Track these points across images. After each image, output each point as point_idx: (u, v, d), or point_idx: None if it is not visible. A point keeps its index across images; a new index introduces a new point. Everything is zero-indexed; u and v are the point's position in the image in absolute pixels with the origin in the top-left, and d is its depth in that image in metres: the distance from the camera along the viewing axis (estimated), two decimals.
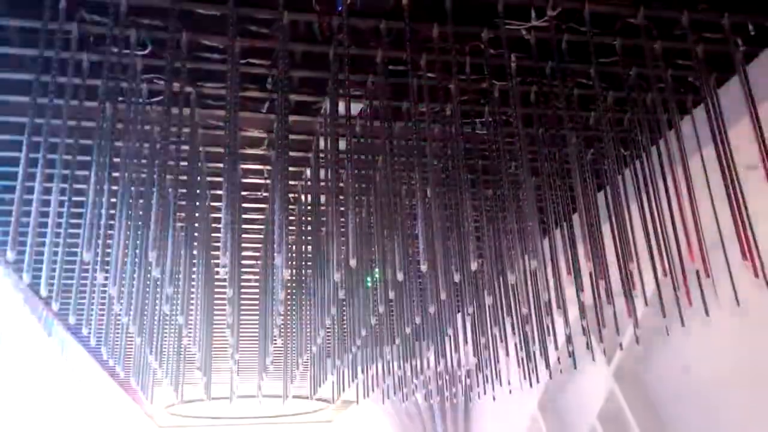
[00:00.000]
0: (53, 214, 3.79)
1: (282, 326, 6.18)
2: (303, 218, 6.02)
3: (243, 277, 6.64)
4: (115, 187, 4.13)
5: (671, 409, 8.08)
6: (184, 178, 4.43)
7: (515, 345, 5.84)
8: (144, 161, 4.51)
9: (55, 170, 3.81)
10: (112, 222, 4.04)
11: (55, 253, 3.81)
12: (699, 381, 7.53)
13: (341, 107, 4.23)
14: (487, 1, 4.12)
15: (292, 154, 5.34)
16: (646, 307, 5.14)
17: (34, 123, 3.66)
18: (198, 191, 5.25)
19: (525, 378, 5.97)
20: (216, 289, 6.75)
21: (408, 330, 5.44)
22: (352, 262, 4.09)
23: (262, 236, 7.03)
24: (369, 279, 5.10)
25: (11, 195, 3.49)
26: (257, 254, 7.51)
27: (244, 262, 7.03)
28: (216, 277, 6.49)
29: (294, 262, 6.09)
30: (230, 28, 3.87)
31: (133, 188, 4.33)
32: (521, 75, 4.64)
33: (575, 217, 4.62)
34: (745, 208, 4.28)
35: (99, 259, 3.82)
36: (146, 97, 4.54)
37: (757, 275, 4.18)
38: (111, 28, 3.81)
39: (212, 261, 6.30)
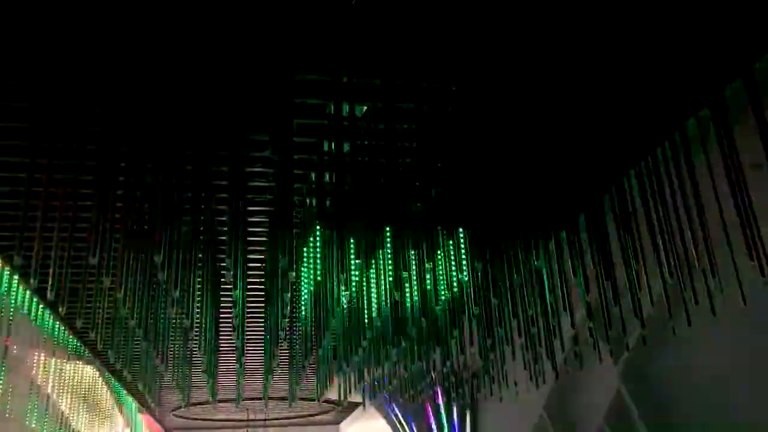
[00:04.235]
0: (59, 218, 3.80)
1: (288, 329, 6.19)
2: (308, 221, 6.02)
3: (249, 280, 6.64)
4: (119, 192, 4.13)
5: (678, 408, 8.06)
6: (189, 181, 4.43)
7: (522, 346, 5.83)
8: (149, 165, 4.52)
9: (59, 174, 3.82)
10: (117, 226, 4.05)
11: (62, 258, 3.82)
12: (705, 380, 7.50)
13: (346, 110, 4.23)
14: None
15: (296, 156, 5.36)
16: (653, 307, 5.13)
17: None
18: (203, 195, 5.26)
19: (532, 379, 5.97)
20: (222, 293, 6.75)
21: (414, 332, 5.45)
22: (357, 262, 4.10)
23: (267, 239, 7.03)
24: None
25: (16, 200, 3.50)
26: (262, 257, 7.51)
27: (250, 265, 7.04)
28: (222, 280, 6.49)
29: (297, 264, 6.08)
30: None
31: (138, 192, 4.33)
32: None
33: (581, 218, 4.61)
34: (751, 207, 4.26)
35: (105, 263, 3.83)
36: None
37: (763, 274, 4.17)
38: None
39: (218, 264, 6.31)
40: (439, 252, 4.79)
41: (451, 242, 4.86)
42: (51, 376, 9.74)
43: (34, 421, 9.51)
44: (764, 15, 4.02)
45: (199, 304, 5.65)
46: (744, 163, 4.31)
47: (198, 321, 5.73)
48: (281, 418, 19.56)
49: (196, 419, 19.01)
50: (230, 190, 4.14)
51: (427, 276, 4.72)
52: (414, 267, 4.53)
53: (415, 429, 13.63)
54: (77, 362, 10.41)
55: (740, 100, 4.37)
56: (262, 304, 7.17)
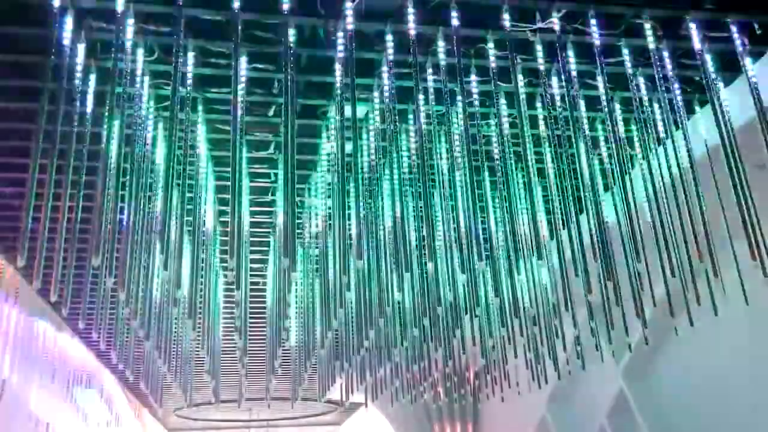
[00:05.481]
0: (63, 219, 3.81)
1: (290, 329, 6.19)
2: (311, 221, 6.04)
3: (251, 280, 6.65)
4: (123, 192, 4.14)
5: (680, 408, 8.05)
6: (191, 182, 4.45)
7: (524, 346, 5.83)
8: (152, 166, 4.54)
9: (63, 176, 3.83)
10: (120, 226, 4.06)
11: (65, 259, 3.83)
12: (707, 380, 7.50)
13: (347, 110, 4.24)
14: (491, 4, 4.12)
15: (299, 157, 5.38)
16: (655, 308, 5.13)
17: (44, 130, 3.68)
18: (206, 195, 5.28)
19: (534, 379, 5.97)
20: (224, 293, 6.77)
21: (416, 332, 5.45)
22: (359, 264, 4.10)
23: (270, 239, 7.05)
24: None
25: (21, 201, 3.50)
26: (265, 257, 7.53)
27: (252, 265, 7.06)
28: (225, 280, 6.51)
29: (302, 265, 6.10)
30: (236, 34, 3.88)
31: (141, 193, 4.34)
32: (527, 77, 4.64)
33: (582, 218, 4.61)
34: (753, 206, 4.27)
35: (107, 264, 3.83)
36: (154, 103, 4.56)
37: (766, 274, 4.17)
38: (118, 35, 3.83)
39: (221, 264, 6.33)
40: None
41: None
42: None
43: None
44: None
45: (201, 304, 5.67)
46: (746, 162, 4.32)
47: (200, 321, 5.74)
48: (283, 419, 19.56)
49: (199, 420, 19.02)
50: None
51: None
52: None
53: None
54: None
55: (742, 98, 4.38)
56: (265, 304, 7.19)
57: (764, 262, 4.19)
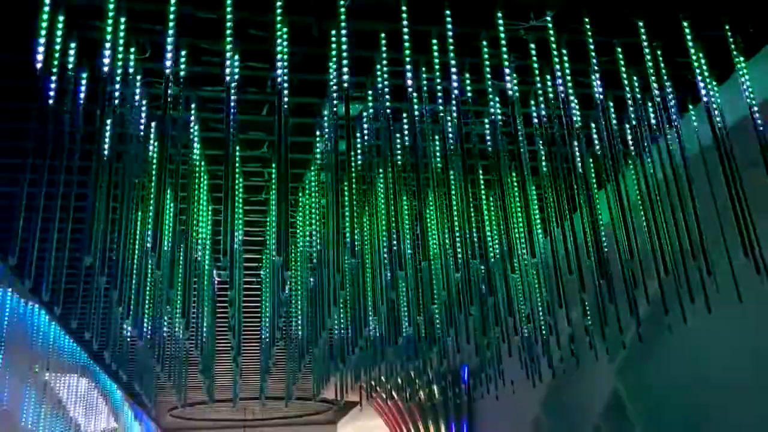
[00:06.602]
0: (56, 219, 3.79)
1: (284, 328, 6.18)
2: (304, 219, 6.02)
3: (245, 279, 6.64)
4: (116, 191, 4.13)
5: (673, 407, 8.07)
6: (184, 180, 4.43)
7: (518, 345, 5.84)
8: (144, 164, 4.52)
9: (57, 175, 3.81)
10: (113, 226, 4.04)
11: (57, 258, 3.81)
12: (701, 378, 7.52)
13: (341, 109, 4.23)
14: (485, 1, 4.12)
15: (292, 156, 5.36)
16: (648, 305, 5.14)
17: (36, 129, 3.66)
18: (199, 194, 5.26)
19: (528, 378, 5.98)
20: (218, 292, 6.75)
21: (411, 330, 5.45)
22: (354, 262, 4.10)
23: (263, 238, 7.03)
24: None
25: (14, 200, 3.49)
26: (259, 256, 7.51)
27: (246, 264, 7.04)
28: (218, 279, 6.49)
29: (295, 264, 6.08)
30: (229, 32, 3.86)
31: (134, 191, 4.33)
32: (520, 75, 4.64)
33: (576, 216, 4.61)
34: (747, 204, 4.28)
35: (100, 263, 3.82)
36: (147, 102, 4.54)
37: (759, 271, 4.18)
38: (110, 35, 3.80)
39: (215, 263, 6.30)
40: None
41: None
42: None
43: None
44: None
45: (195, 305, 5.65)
46: (739, 160, 4.33)
47: (194, 321, 5.73)
48: (278, 418, 19.54)
49: (193, 419, 18.99)
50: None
51: None
52: None
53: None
54: None
55: (736, 96, 4.39)
56: (259, 304, 7.17)
57: (757, 260, 4.21)
